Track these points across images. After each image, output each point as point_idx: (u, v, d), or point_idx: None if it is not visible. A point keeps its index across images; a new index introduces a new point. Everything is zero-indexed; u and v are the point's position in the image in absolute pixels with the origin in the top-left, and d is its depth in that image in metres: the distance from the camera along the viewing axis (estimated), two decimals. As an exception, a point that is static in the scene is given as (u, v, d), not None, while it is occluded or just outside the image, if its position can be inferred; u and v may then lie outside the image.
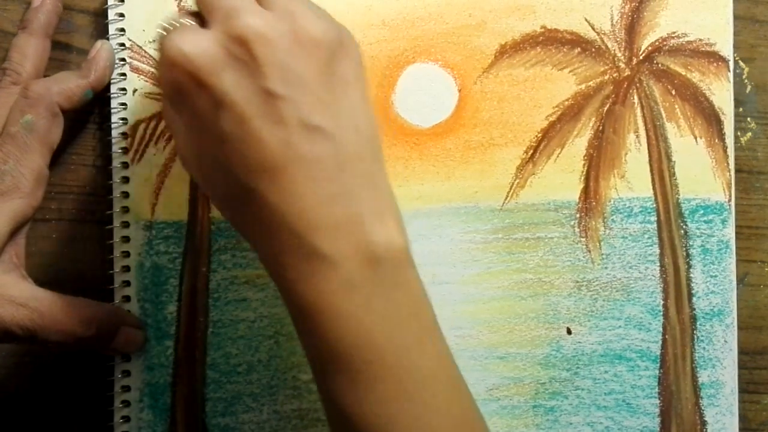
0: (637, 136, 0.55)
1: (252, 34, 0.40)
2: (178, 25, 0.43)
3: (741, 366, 0.55)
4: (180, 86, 0.41)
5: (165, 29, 0.43)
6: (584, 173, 0.55)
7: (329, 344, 0.41)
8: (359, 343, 0.41)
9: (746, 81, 0.56)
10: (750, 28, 0.56)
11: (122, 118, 0.53)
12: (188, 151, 0.43)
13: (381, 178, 0.43)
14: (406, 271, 0.42)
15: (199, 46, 0.41)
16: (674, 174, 0.55)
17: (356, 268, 0.41)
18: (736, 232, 0.55)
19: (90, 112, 0.53)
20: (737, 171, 0.55)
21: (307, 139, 0.41)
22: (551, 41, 0.55)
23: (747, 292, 0.56)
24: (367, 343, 0.41)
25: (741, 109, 0.56)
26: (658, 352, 0.55)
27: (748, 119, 0.56)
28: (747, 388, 0.56)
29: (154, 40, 0.51)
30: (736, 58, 0.56)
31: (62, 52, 0.54)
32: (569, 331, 0.54)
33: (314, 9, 0.42)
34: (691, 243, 0.55)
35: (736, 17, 0.55)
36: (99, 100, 0.53)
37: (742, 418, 0.55)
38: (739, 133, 0.56)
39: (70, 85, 0.51)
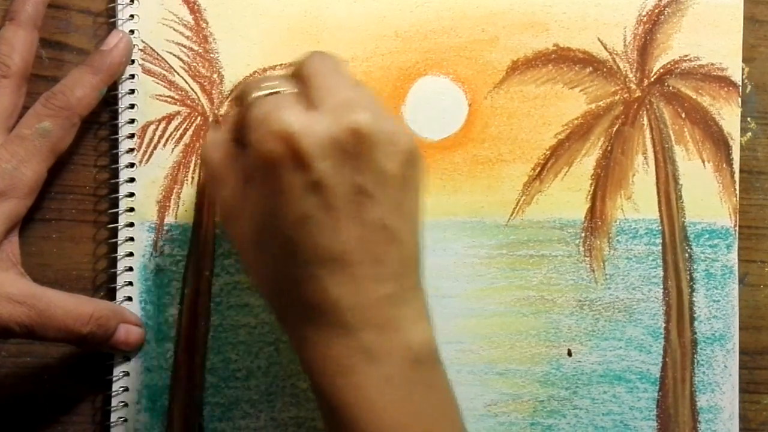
0: (645, 158, 0.55)
1: (365, 129, 0.42)
2: (277, 89, 0.43)
3: (741, 366, 0.55)
4: (275, 158, 0.41)
5: (260, 90, 0.43)
6: (591, 193, 0.55)
7: None
8: None
9: (746, 81, 0.56)
10: (750, 28, 0.56)
11: (130, 119, 0.53)
12: (249, 220, 0.44)
13: (420, 279, 0.44)
14: (438, 370, 0.44)
15: (310, 128, 0.41)
16: (681, 197, 0.55)
17: (397, 366, 0.42)
18: (738, 232, 0.55)
19: (91, 112, 0.52)
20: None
21: (381, 240, 0.42)
22: (563, 59, 0.55)
23: (747, 292, 0.56)
24: None
25: (741, 109, 0.55)
26: (658, 375, 0.54)
27: (748, 119, 0.56)
28: (747, 388, 0.55)
29: (231, 93, 0.50)
30: (737, 58, 0.56)
31: (62, 52, 0.53)
32: (570, 353, 0.54)
33: (389, 114, 0.44)
34: (695, 267, 0.55)
35: (736, 17, 0.55)
36: (102, 100, 0.52)
37: (742, 418, 0.55)
38: (739, 133, 0.56)
39: (86, 90, 0.51)
